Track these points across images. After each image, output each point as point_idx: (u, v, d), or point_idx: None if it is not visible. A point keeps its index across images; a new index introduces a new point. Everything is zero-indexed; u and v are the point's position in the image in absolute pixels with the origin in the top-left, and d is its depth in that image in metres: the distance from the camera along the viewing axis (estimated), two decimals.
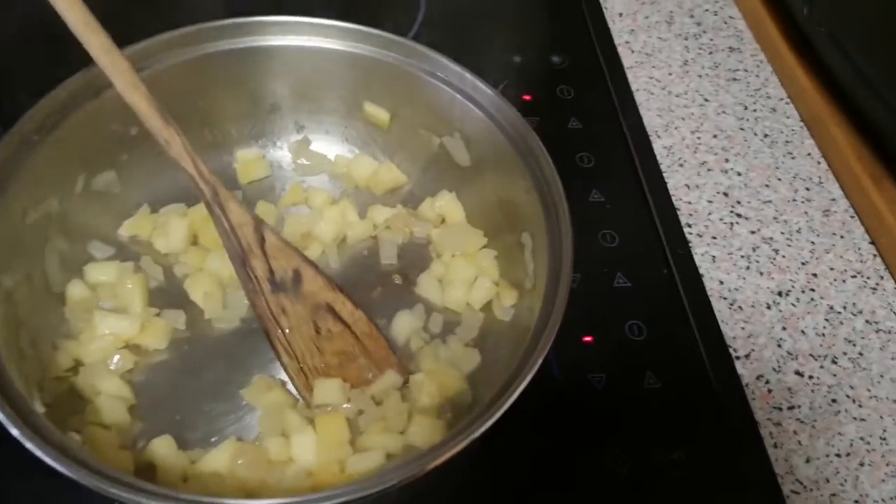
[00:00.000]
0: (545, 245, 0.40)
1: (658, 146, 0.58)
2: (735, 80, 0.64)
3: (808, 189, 0.57)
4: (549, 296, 0.37)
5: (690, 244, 0.52)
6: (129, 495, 0.28)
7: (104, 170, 0.44)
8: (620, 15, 0.68)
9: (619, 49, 0.65)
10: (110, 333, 0.40)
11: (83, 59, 0.41)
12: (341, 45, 0.46)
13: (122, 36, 0.39)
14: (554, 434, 0.43)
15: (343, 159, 0.51)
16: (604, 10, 0.68)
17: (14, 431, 0.29)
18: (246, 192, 0.49)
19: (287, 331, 0.40)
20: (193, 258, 0.44)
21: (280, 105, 0.49)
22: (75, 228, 0.42)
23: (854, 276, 0.52)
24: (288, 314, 0.40)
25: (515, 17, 0.65)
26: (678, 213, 0.54)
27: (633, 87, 0.62)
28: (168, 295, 0.44)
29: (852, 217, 0.56)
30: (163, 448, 0.36)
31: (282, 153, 0.51)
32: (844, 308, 0.50)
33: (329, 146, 0.51)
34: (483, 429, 0.32)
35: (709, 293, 0.50)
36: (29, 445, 0.28)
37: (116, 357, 0.40)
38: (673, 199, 0.55)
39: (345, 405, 0.39)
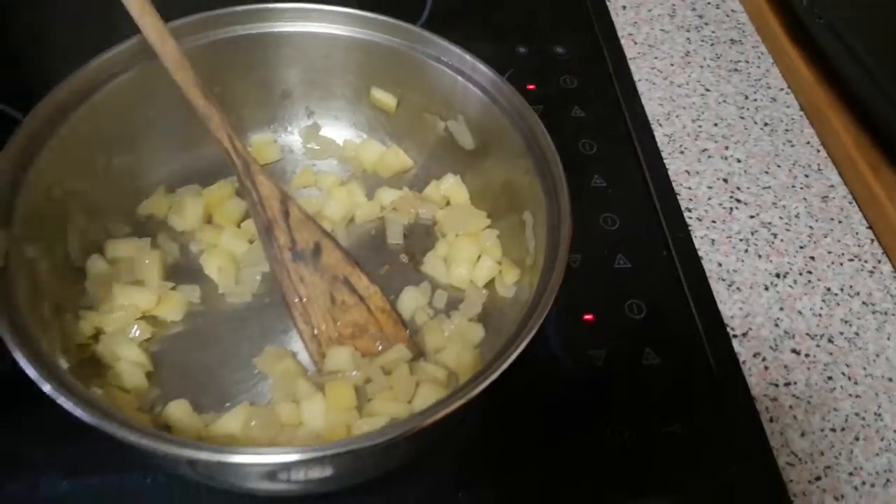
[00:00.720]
0: (545, 222, 0.41)
1: (659, 134, 0.59)
2: (736, 70, 0.66)
3: (806, 176, 0.58)
4: (547, 269, 0.39)
5: (690, 228, 0.54)
6: (157, 445, 0.29)
7: (124, 151, 0.46)
8: (624, 8, 0.70)
9: (622, 41, 0.66)
10: (129, 305, 0.42)
11: (103, 43, 0.43)
12: (350, 31, 0.48)
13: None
14: (554, 405, 0.44)
15: (351, 144, 0.52)
16: (607, 2, 0.69)
17: (46, 388, 0.30)
18: None
19: (304, 299, 0.42)
20: (208, 235, 0.46)
21: (291, 91, 0.51)
22: (96, 207, 0.44)
23: (851, 260, 0.53)
24: (306, 283, 0.42)
25: (520, 9, 0.67)
26: (678, 197, 0.55)
27: (636, 77, 0.63)
28: (183, 270, 0.45)
29: (850, 203, 0.57)
30: (178, 411, 0.38)
31: (293, 138, 0.53)
32: (841, 290, 0.52)
33: (338, 131, 0.53)
34: (479, 389, 0.33)
35: (707, 275, 0.51)
36: (61, 400, 0.30)
37: (135, 327, 0.41)
38: (673, 184, 0.56)
39: (354, 373, 0.40)
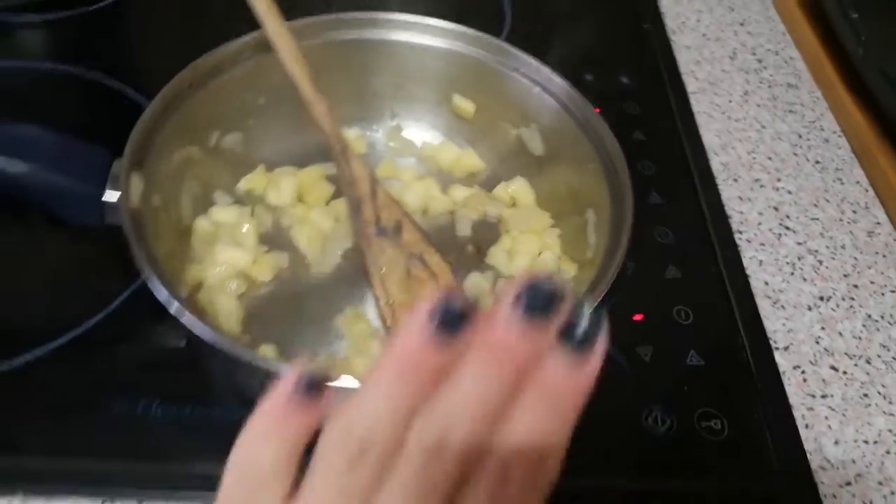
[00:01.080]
0: (608, 221, 0.46)
1: (715, 162, 0.63)
2: (791, 112, 0.70)
3: (854, 212, 0.61)
4: (607, 258, 0.43)
5: (739, 248, 0.57)
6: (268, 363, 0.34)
7: (234, 130, 0.52)
8: (687, 48, 0.75)
9: (684, 77, 0.71)
10: (228, 263, 0.47)
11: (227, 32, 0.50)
12: (440, 42, 0.53)
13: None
14: (602, 391, 0.47)
15: (429, 145, 0.58)
16: (671, 42, 0.74)
17: (173, 307, 0.36)
18: None
19: (384, 269, 0.47)
20: (299, 211, 0.51)
21: (381, 94, 0.57)
22: (205, 176, 0.50)
23: (894, 292, 0.56)
24: (387, 256, 0.47)
25: (589, 40, 0.72)
26: (730, 220, 0.59)
27: (695, 109, 0.68)
28: (275, 240, 0.51)
29: (895, 240, 0.59)
30: (269, 352, 0.43)
31: (377, 136, 0.58)
32: (882, 317, 0.54)
33: (418, 133, 0.58)
34: None
35: (753, 292, 0.54)
36: (185, 318, 0.35)
37: (232, 282, 0.46)
38: (726, 208, 0.60)
39: None
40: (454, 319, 0.22)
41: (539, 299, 0.21)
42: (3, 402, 0.43)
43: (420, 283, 0.47)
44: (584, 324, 0.22)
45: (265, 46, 0.49)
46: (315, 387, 0.23)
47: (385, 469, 0.21)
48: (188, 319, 0.35)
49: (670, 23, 0.77)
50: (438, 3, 0.65)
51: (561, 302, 0.22)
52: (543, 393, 0.22)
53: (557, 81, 0.50)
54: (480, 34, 0.52)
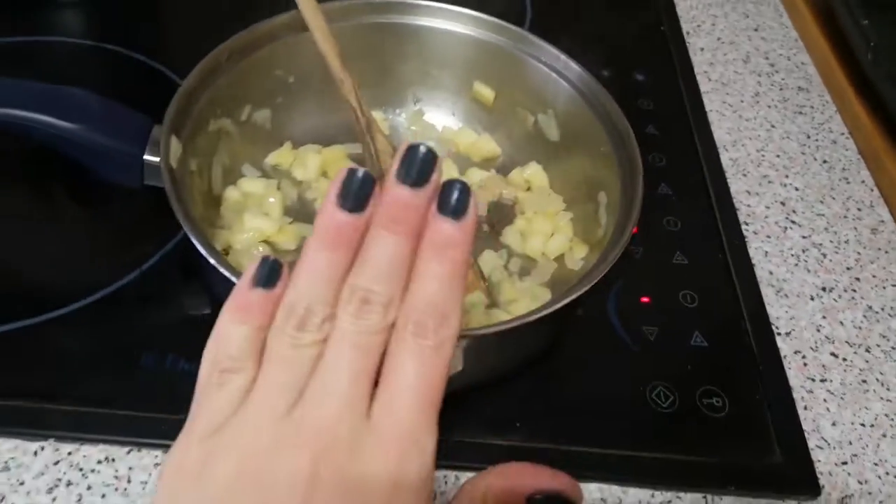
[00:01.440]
0: (618, 202, 0.48)
1: (725, 157, 0.65)
2: (801, 113, 0.71)
3: (859, 209, 0.63)
4: (614, 236, 0.45)
5: (746, 239, 0.59)
6: None
7: (263, 106, 0.54)
8: (702, 49, 0.77)
9: (698, 76, 0.73)
10: (255, 230, 0.49)
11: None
12: (465, 29, 0.56)
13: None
14: (608, 366, 0.49)
15: (449, 130, 0.60)
16: (686, 43, 0.76)
17: (212, 260, 0.38)
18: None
19: None
20: (323, 186, 0.54)
21: (404, 78, 0.59)
22: (235, 148, 0.52)
23: (895, 286, 0.58)
24: None
25: (606, 38, 0.74)
26: (737, 212, 0.61)
27: (707, 107, 0.70)
28: (299, 212, 0.53)
29: None
30: None
31: (399, 120, 0.60)
32: (882, 309, 0.56)
33: (438, 118, 0.60)
34: (534, 318, 0.39)
35: (758, 280, 0.56)
36: (223, 268, 0.37)
37: (259, 248, 0.49)
38: (734, 201, 0.62)
39: None
40: (356, 192, 0.27)
41: (417, 164, 0.26)
42: (38, 354, 0.45)
43: None
44: (455, 194, 0.26)
45: (297, 27, 0.52)
46: (270, 275, 0.27)
47: (328, 326, 0.26)
48: (224, 269, 0.37)
49: (686, 25, 0.79)
50: None
51: (434, 163, 0.27)
52: (436, 250, 0.26)
53: (574, 68, 0.52)
54: (503, 23, 0.54)
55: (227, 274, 0.37)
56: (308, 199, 0.54)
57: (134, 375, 0.45)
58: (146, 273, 0.49)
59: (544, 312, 0.38)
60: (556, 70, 0.53)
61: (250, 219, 0.50)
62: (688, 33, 0.78)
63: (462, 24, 0.56)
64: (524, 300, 0.48)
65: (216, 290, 0.46)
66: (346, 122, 0.55)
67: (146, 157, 0.44)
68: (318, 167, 0.55)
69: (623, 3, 0.81)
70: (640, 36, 0.77)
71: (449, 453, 0.44)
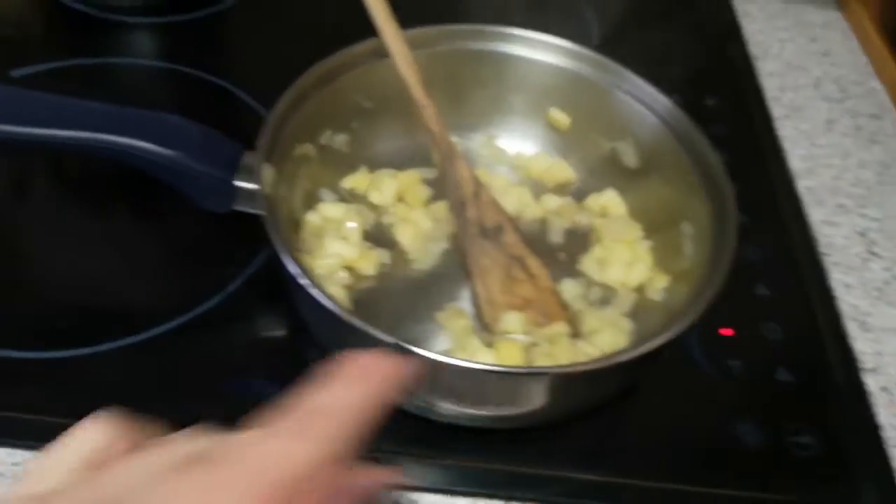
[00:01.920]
0: (707, 235, 0.47)
1: (800, 185, 0.64)
2: (875, 142, 0.70)
3: None
4: (708, 274, 0.44)
5: (826, 270, 0.57)
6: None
7: (342, 131, 0.54)
8: (771, 74, 0.76)
9: (769, 102, 0.72)
10: (335, 255, 0.49)
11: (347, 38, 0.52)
12: (542, 55, 0.55)
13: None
14: (691, 400, 0.48)
15: (522, 156, 0.59)
16: (755, 68, 0.75)
17: (303, 281, 0.38)
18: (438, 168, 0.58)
19: (484, 269, 0.48)
20: (400, 211, 0.54)
21: (478, 103, 0.59)
22: (315, 173, 0.53)
23: None
24: (488, 256, 0.49)
25: (675, 63, 0.73)
26: (816, 242, 0.59)
27: (780, 134, 0.68)
28: (377, 237, 0.53)
29: None
30: None
31: (472, 144, 0.60)
32: None
33: (511, 142, 0.60)
34: (625, 358, 0.38)
35: (842, 314, 0.55)
36: (314, 291, 0.38)
37: (339, 273, 0.49)
38: (812, 231, 0.60)
39: (523, 336, 0.46)
40: None
41: None
42: (127, 374, 0.46)
43: (519, 284, 0.49)
44: None
45: (376, 53, 0.52)
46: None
47: None
48: (317, 294, 0.37)
49: (754, 49, 0.78)
50: (526, 17, 0.67)
51: None
52: None
53: (658, 97, 0.52)
54: (584, 49, 0.54)
55: (323, 302, 0.37)
56: (385, 223, 0.54)
57: (219, 400, 0.45)
58: (230, 296, 0.49)
59: (644, 350, 0.38)
60: (639, 99, 0.52)
61: (331, 244, 0.50)
62: (755, 57, 0.77)
63: (535, 50, 0.55)
64: (608, 331, 0.48)
65: (302, 316, 0.46)
66: (421, 145, 0.55)
67: (237, 182, 0.44)
68: (394, 191, 0.54)
69: (688, 27, 0.80)
70: (708, 60, 0.77)
71: (531, 486, 0.43)
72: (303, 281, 0.38)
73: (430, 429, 0.44)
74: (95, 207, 0.55)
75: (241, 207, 0.45)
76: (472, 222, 0.50)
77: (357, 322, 0.37)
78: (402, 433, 0.44)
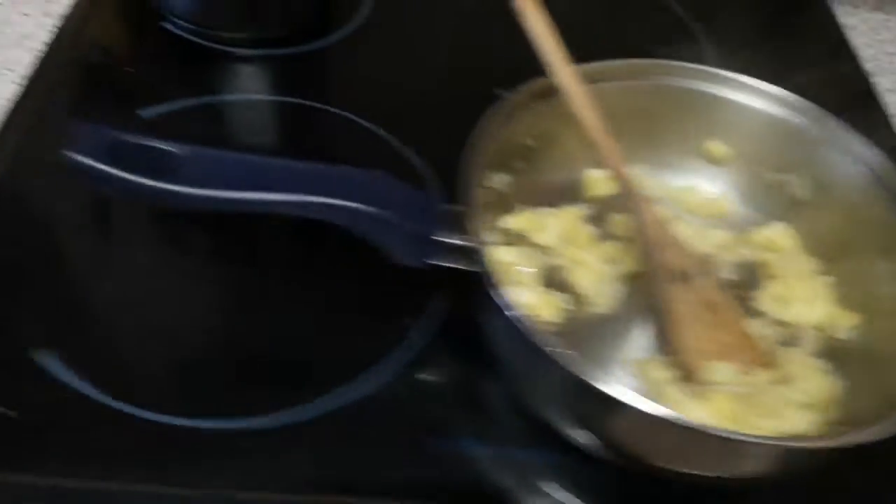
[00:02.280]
0: None
1: None
2: None
3: None
4: None
5: None
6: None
7: (504, 171, 0.52)
8: (890, 91, 0.74)
9: (892, 119, 0.70)
10: (521, 303, 0.47)
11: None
12: (702, 87, 0.54)
13: None
14: None
15: (677, 189, 0.57)
16: (871, 84, 0.74)
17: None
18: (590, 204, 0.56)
19: (680, 315, 0.46)
20: (569, 251, 0.52)
21: (631, 139, 0.57)
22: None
23: None
24: (682, 302, 0.47)
25: (788, 81, 0.71)
26: None
27: None
28: (550, 279, 0.51)
29: None
30: None
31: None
32: None
33: (667, 176, 0.58)
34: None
35: None
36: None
37: None
38: None
39: (731, 387, 0.44)
40: None
41: None
42: (332, 440, 0.44)
43: (717, 330, 0.47)
44: None
45: (542, 93, 0.50)
46: None
47: None
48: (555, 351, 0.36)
49: (867, 65, 0.77)
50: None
51: None
52: None
53: (847, 136, 0.51)
54: (765, 85, 0.54)
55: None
56: (555, 265, 0.52)
57: (425, 458, 0.43)
58: (419, 351, 0.47)
59: None
60: (824, 140, 0.51)
61: (512, 291, 0.48)
62: (870, 73, 0.76)
63: (699, 81, 0.54)
64: (811, 377, 0.46)
65: (512, 370, 0.45)
66: (577, 181, 0.54)
67: (438, 236, 0.42)
68: (558, 231, 0.53)
69: (798, 42, 0.78)
70: (821, 75, 0.75)
71: None
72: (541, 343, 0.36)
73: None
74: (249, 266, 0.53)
75: (435, 261, 0.43)
76: (661, 267, 0.48)
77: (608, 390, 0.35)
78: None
